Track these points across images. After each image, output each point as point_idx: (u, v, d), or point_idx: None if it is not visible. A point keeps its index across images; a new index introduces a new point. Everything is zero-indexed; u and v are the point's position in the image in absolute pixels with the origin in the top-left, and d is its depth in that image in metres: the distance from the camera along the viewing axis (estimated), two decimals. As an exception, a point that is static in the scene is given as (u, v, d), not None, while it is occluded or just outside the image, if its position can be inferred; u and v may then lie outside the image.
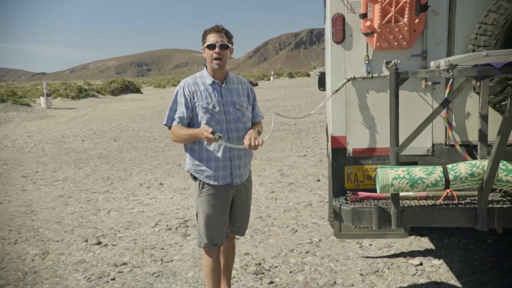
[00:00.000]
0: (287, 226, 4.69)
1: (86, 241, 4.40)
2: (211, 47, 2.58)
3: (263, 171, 7.40)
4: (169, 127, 2.69)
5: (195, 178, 2.72)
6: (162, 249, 4.15)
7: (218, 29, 2.60)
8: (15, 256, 4.10)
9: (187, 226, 4.78)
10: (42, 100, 23.76)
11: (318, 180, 6.59)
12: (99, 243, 4.33)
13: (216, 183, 2.66)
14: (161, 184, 6.79)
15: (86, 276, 3.62)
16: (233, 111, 2.66)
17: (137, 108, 22.69)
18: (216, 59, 2.59)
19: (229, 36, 2.65)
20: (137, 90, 37.21)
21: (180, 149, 9.90)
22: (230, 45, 2.64)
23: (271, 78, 65.45)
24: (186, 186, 6.58)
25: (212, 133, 2.42)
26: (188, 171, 2.75)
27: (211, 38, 2.59)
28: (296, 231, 4.55)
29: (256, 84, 44.26)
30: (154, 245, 4.25)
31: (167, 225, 4.81)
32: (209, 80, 2.67)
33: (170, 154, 9.41)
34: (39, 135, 13.25)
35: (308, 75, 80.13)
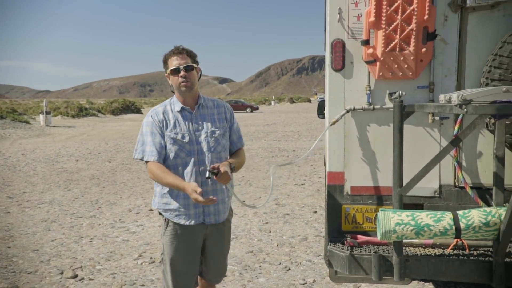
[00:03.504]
0: (280, 263, 4.36)
1: (62, 273, 4.06)
2: (176, 71, 2.34)
3: (258, 200, 7.09)
4: (144, 161, 2.39)
5: (160, 214, 2.46)
6: (143, 286, 3.81)
7: (179, 51, 2.37)
8: (-19, 289, 3.77)
9: (172, 260, 4.44)
10: (41, 117, 23.62)
11: (315, 212, 6.27)
12: (75, 276, 3.99)
13: (187, 222, 2.37)
14: (151, 210, 6.47)
15: (55, 317, 3.28)
16: (206, 139, 2.39)
17: (136, 129, 22.48)
18: (182, 82, 2.35)
19: (192, 55, 2.41)
20: (138, 110, 37.18)
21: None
22: (195, 65, 2.41)
23: (272, 102, 65.74)
24: (176, 214, 6.25)
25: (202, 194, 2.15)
26: (155, 209, 2.47)
27: (173, 62, 2.35)
28: (289, 269, 4.21)
29: (257, 108, 44.33)
30: (134, 280, 3.92)
31: (151, 258, 4.47)
32: (177, 106, 2.41)
33: (163, 178, 9.11)
34: (33, 154, 12.99)
35: (309, 101, 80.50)
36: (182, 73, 2.33)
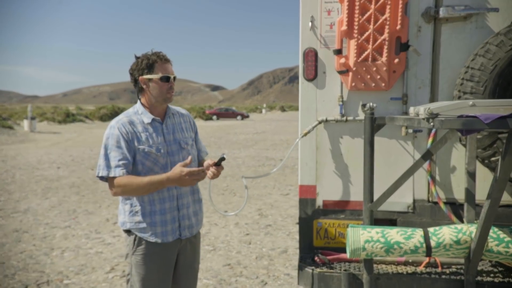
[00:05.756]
0: (257, 277, 4.24)
1: (26, 288, 3.89)
2: (166, 79, 2.22)
3: (241, 210, 6.96)
4: (106, 179, 2.18)
5: (128, 232, 2.26)
6: (111, 301, 3.66)
7: (167, 59, 2.26)
8: None
9: (145, 274, 4.29)
10: (25, 123, 23.27)
11: (298, 223, 6.17)
12: (40, 292, 3.82)
13: (164, 240, 2.21)
14: (129, 220, 6.31)
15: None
16: (178, 151, 2.27)
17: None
18: (169, 92, 2.24)
19: (172, 64, 2.32)
20: (127, 117, 36.84)
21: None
22: None
23: (263, 111, 65.87)
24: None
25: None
26: (124, 229, 2.27)
27: (164, 70, 2.22)
28: (266, 283, 4.09)
29: (248, 116, 44.31)
30: (102, 296, 3.76)
31: (123, 271, 4.32)
32: (147, 118, 2.25)
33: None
34: (14, 160, 12.72)
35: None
36: (172, 83, 2.25)
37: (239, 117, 43.04)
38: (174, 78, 2.28)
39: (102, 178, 2.19)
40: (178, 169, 2.07)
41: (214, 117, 43.13)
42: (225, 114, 44.41)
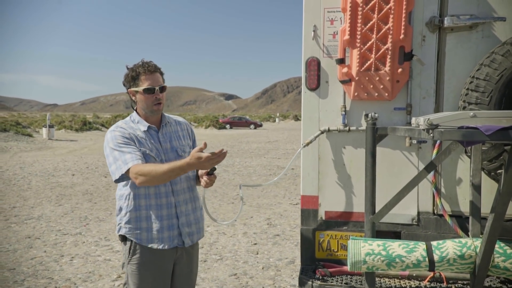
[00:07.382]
0: (263, 288, 4.19)
1: (33, 295, 3.92)
2: (150, 91, 2.21)
3: (249, 219, 6.93)
4: (121, 178, 2.14)
5: (124, 239, 2.27)
6: (115, 310, 3.66)
7: (153, 69, 2.24)
8: (-50, 309, 3.63)
9: (151, 282, 4.29)
10: (44, 131, 23.73)
11: (306, 233, 6.10)
12: (47, 298, 3.85)
13: (160, 247, 2.21)
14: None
15: None
16: (175, 159, 2.25)
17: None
18: (156, 103, 2.24)
19: (162, 74, 2.30)
20: (142, 125, 37.19)
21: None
22: (166, 85, 2.31)
23: (277, 119, 65.86)
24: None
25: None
26: (121, 235, 2.28)
27: (147, 81, 2.21)
28: (272, 294, 4.05)
29: (260, 125, 44.33)
30: (108, 304, 3.77)
31: (130, 279, 4.32)
32: (143, 126, 2.27)
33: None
34: (31, 167, 12.95)
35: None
36: (158, 94, 2.23)
37: (252, 126, 43.10)
38: (163, 88, 2.26)
39: (121, 178, 2.13)
40: (196, 155, 1.97)
41: (228, 126, 43.29)
42: (238, 123, 44.52)
